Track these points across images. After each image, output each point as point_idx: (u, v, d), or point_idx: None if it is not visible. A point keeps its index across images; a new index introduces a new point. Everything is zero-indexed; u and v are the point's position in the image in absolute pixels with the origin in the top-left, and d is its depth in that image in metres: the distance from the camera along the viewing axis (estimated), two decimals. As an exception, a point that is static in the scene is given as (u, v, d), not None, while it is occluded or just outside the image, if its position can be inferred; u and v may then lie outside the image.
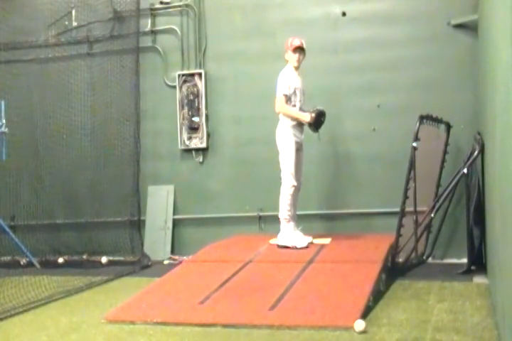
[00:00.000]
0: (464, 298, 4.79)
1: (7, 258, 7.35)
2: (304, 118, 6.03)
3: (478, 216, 5.74)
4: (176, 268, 5.80)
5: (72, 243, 7.56)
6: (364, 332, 3.96)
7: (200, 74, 7.56)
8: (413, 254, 5.93)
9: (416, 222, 5.80)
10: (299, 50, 6.10)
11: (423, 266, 6.23)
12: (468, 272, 5.75)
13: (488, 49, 4.64)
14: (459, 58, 6.67)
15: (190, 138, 7.60)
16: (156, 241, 7.51)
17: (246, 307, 4.50)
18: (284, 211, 6.05)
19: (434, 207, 5.98)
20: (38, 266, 6.97)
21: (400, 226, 5.71)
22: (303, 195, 6.32)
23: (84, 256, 7.37)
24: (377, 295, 4.83)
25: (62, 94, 7.60)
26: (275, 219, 6.24)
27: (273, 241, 6.18)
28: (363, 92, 6.96)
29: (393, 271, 5.63)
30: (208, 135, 7.55)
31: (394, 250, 5.72)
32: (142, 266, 6.86)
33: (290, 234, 6.05)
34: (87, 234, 7.50)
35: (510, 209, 2.95)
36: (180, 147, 7.62)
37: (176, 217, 7.61)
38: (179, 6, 7.71)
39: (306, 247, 5.94)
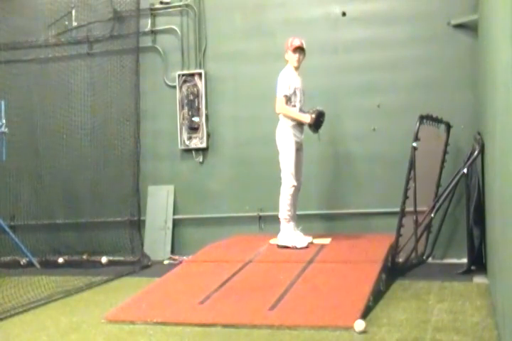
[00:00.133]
0: (464, 298, 4.80)
1: (7, 258, 7.33)
2: (304, 120, 6.04)
3: (478, 216, 5.74)
4: (176, 268, 5.80)
5: (72, 243, 7.56)
6: (364, 332, 3.96)
7: (200, 74, 7.56)
8: (413, 254, 5.93)
9: (416, 222, 5.79)
10: (299, 50, 6.10)
11: (423, 266, 6.22)
12: (468, 272, 5.75)
13: (488, 49, 4.64)
14: (459, 58, 6.67)
15: (190, 138, 7.59)
16: (156, 241, 7.51)
17: (246, 307, 4.50)
18: (284, 211, 6.05)
19: (434, 207, 5.97)
20: (37, 266, 6.97)
21: (400, 226, 5.71)
22: (303, 195, 6.33)
23: (84, 256, 7.37)
24: (377, 295, 4.83)
25: (62, 94, 7.59)
26: (275, 219, 6.24)
27: (273, 241, 6.19)
28: (363, 92, 6.96)
29: (393, 271, 5.63)
30: (208, 135, 7.55)
31: (394, 250, 5.72)
32: (142, 266, 6.85)
33: (290, 234, 6.05)
34: (87, 234, 7.50)
35: (510, 209, 2.95)
36: (180, 147, 7.62)
37: (176, 217, 7.60)
38: (179, 6, 7.70)
39: (306, 247, 5.94)
